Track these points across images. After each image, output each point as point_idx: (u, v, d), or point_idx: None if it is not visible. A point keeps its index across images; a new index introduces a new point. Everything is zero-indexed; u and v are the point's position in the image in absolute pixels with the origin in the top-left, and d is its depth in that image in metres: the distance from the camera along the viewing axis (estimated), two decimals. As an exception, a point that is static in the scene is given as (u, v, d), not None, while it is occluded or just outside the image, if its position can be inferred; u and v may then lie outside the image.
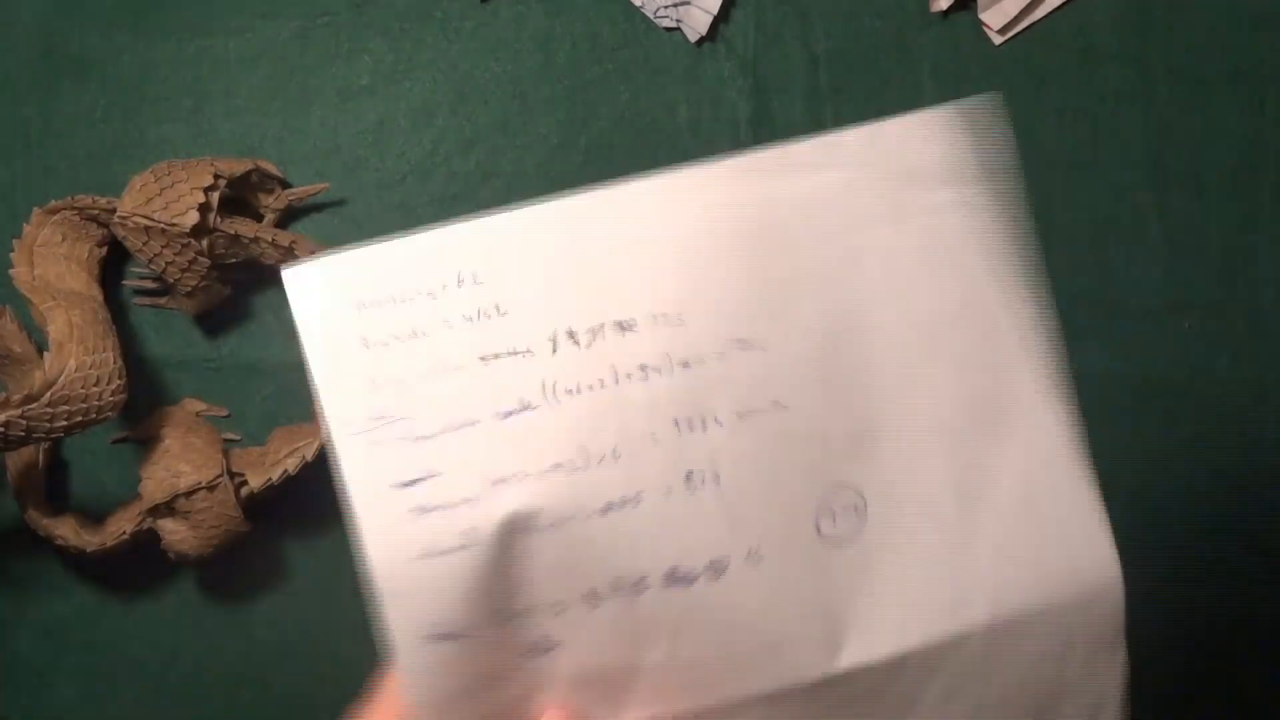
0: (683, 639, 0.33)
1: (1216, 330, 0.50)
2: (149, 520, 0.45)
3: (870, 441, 0.34)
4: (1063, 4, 0.50)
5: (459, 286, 0.33)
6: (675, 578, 0.33)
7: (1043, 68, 0.50)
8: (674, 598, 0.33)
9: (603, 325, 0.33)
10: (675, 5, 0.50)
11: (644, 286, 0.33)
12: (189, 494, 0.44)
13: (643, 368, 0.33)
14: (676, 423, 0.33)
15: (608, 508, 0.33)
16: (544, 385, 0.32)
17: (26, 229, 0.46)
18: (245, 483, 0.45)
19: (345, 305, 0.32)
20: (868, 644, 0.34)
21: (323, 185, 0.49)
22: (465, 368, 0.32)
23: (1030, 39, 0.50)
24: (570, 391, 0.33)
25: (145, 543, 0.46)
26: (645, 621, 0.33)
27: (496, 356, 0.32)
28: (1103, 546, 0.35)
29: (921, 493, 0.35)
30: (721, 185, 0.34)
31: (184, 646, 0.49)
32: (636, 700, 0.34)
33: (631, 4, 0.50)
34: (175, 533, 0.45)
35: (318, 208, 0.50)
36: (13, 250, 0.46)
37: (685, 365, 0.33)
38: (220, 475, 0.44)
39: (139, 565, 0.48)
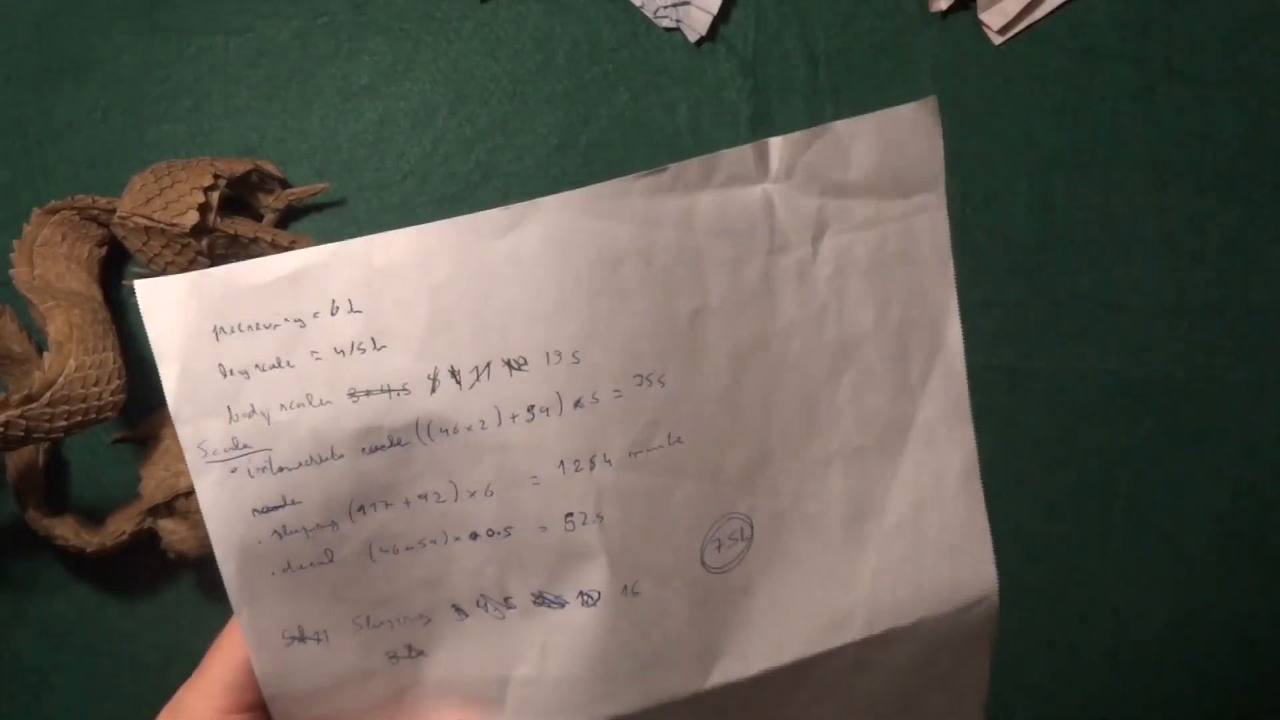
0: (551, 657, 0.33)
1: (1216, 330, 0.50)
2: (149, 520, 0.45)
3: (763, 467, 0.33)
4: (1063, 4, 0.50)
5: (332, 315, 0.30)
6: (544, 600, 0.32)
7: (1043, 68, 0.50)
8: (543, 617, 0.33)
9: (489, 364, 0.30)
10: (675, 5, 0.50)
11: (541, 320, 0.31)
12: (189, 494, 0.44)
13: (530, 409, 0.31)
14: (562, 464, 0.31)
15: (474, 536, 0.32)
16: (417, 425, 0.30)
17: (26, 229, 0.46)
18: (245, 483, 0.45)
19: (203, 330, 0.30)
20: (740, 664, 0.34)
21: (323, 185, 0.49)
22: (332, 403, 0.30)
23: (1030, 39, 0.50)
24: (445, 432, 0.31)
25: (145, 543, 0.46)
26: (513, 637, 0.33)
27: (368, 393, 0.30)
28: (984, 562, 0.35)
29: (809, 515, 0.34)
30: (639, 204, 0.31)
31: (184, 646, 0.49)
32: (506, 714, 0.33)
33: (631, 4, 0.50)
34: (175, 533, 0.45)
35: (318, 208, 0.50)
36: (13, 250, 0.46)
37: (578, 405, 0.31)
38: (220, 475, 0.44)
39: (139, 565, 0.48)
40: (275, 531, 0.30)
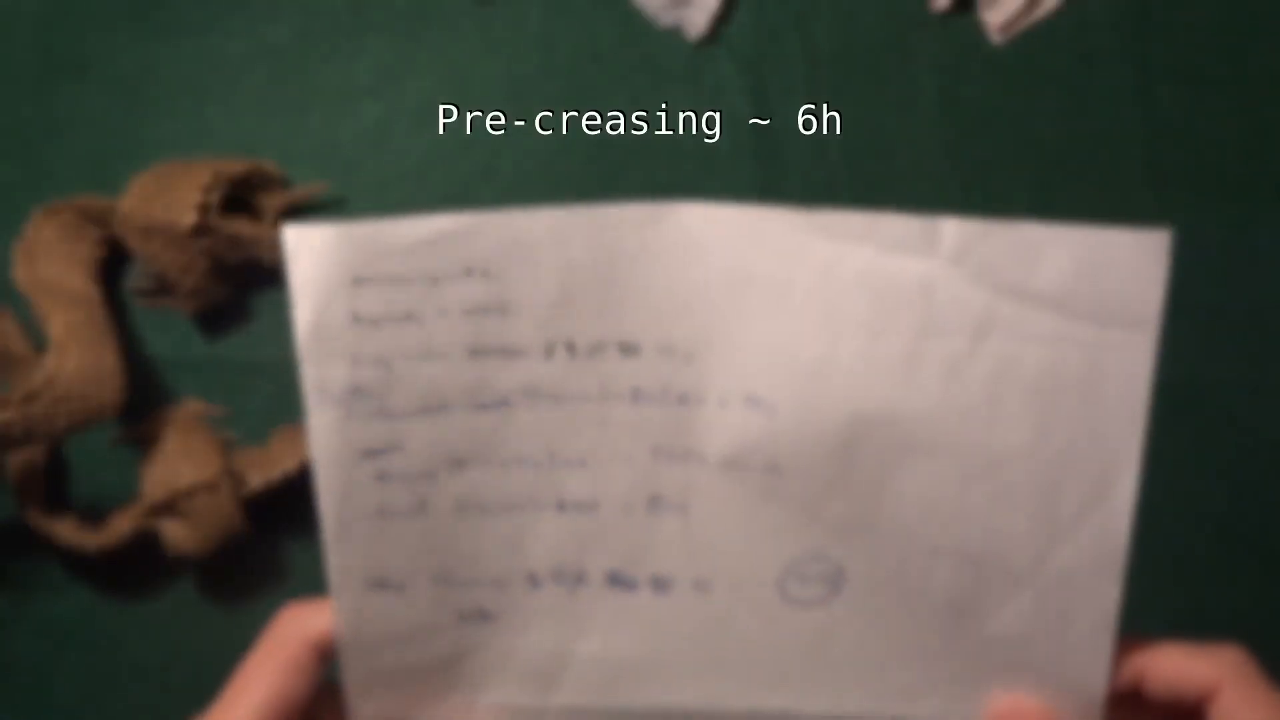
0: (617, 637, 0.34)
1: (1216, 330, 0.50)
2: (149, 520, 0.45)
3: (867, 530, 0.32)
4: (1063, 4, 0.50)
5: (466, 277, 0.31)
6: (617, 580, 0.33)
7: (1043, 68, 0.50)
8: (614, 597, 0.34)
9: (604, 343, 0.32)
10: (675, 5, 0.50)
11: (662, 315, 0.32)
12: (189, 494, 0.44)
13: (635, 391, 0.32)
14: (656, 449, 0.32)
15: (561, 505, 0.33)
16: (527, 388, 0.32)
17: (26, 229, 0.46)
18: (245, 483, 0.45)
19: (342, 278, 0.31)
20: (801, 698, 0.34)
21: (323, 185, 0.49)
22: (451, 358, 0.32)
23: (1030, 39, 0.50)
24: (552, 398, 0.32)
25: (145, 543, 0.46)
26: (582, 613, 0.34)
27: (486, 353, 0.32)
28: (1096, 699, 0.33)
29: (908, 589, 0.33)
30: (784, 236, 0.31)
31: (184, 646, 0.49)
32: (565, 688, 0.34)
33: (631, 4, 0.50)
34: (175, 533, 0.45)
35: (318, 208, 0.50)
36: (13, 250, 0.46)
37: (682, 401, 0.32)
38: (220, 475, 0.44)
39: (139, 565, 0.48)
40: (377, 475, 0.32)
